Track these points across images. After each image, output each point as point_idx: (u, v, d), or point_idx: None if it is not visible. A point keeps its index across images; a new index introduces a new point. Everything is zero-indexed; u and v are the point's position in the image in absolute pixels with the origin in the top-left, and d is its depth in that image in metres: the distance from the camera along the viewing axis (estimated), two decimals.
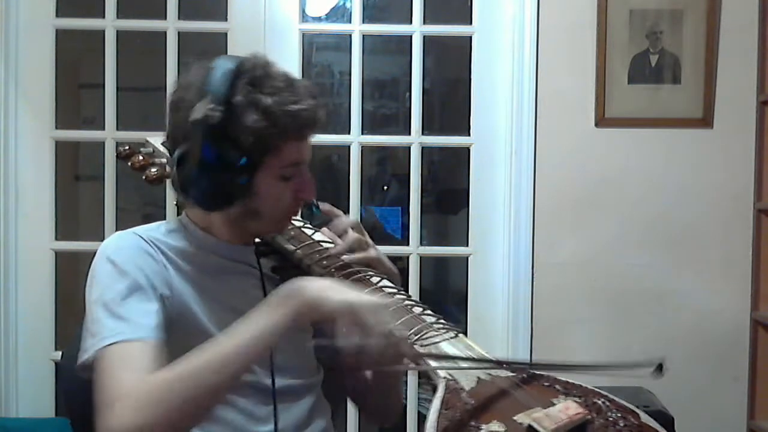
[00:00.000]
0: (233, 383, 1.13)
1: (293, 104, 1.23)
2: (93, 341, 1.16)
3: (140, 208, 3.30)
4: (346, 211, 2.64)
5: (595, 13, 2.49)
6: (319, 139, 2.83)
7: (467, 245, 2.63)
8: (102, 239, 2.62)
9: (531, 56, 2.50)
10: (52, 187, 2.57)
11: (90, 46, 2.70)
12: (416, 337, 1.21)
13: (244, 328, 1.11)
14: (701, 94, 2.50)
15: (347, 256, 1.37)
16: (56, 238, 2.58)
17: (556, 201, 2.53)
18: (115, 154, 1.35)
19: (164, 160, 1.47)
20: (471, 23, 2.60)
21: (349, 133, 2.61)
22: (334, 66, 3.49)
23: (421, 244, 2.66)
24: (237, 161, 1.21)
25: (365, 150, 2.74)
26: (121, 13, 2.56)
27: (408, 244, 2.63)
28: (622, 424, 1.12)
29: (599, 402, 1.16)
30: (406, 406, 2.51)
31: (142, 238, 1.28)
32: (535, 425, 1.06)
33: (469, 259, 2.62)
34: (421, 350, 1.19)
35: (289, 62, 2.56)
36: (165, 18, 2.56)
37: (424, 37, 2.60)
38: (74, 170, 3.40)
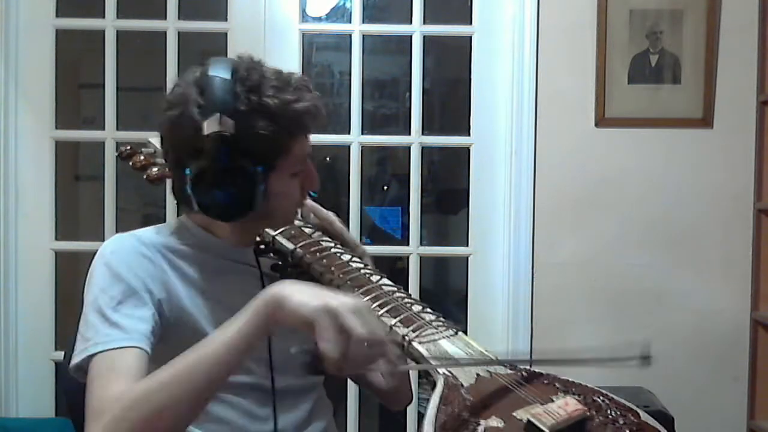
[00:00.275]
0: (213, 389, 1.12)
1: (296, 102, 1.23)
2: (85, 345, 1.16)
3: (140, 208, 3.30)
4: (347, 211, 2.65)
5: (595, 13, 2.49)
6: (319, 139, 2.84)
7: (467, 245, 2.63)
8: (102, 239, 2.62)
9: (531, 56, 2.50)
10: (52, 187, 2.57)
11: (90, 46, 2.70)
12: (415, 335, 1.21)
13: (221, 334, 1.10)
14: (701, 94, 2.50)
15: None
16: (56, 238, 2.58)
17: (556, 201, 2.53)
18: (117, 154, 1.35)
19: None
20: (471, 23, 2.60)
21: (349, 133, 2.61)
22: (334, 66, 3.49)
23: (421, 244, 2.66)
24: (253, 170, 1.21)
25: (365, 150, 2.74)
26: (121, 13, 2.56)
27: (408, 244, 2.63)
28: (621, 422, 1.11)
29: (599, 400, 1.16)
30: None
31: (140, 240, 1.28)
32: (534, 421, 1.06)
33: (469, 259, 2.62)
34: (420, 348, 1.19)
35: (289, 62, 2.56)
36: (165, 18, 2.56)
37: (424, 37, 2.60)
38: (74, 170, 3.40)
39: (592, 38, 2.50)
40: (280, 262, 1.40)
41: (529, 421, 1.06)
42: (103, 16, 2.55)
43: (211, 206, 1.24)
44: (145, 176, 1.50)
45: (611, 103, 2.51)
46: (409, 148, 2.62)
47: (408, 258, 2.62)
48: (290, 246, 1.39)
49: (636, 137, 2.53)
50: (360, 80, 2.60)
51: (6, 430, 2.42)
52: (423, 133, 2.62)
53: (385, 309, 1.26)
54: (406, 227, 2.73)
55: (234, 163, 1.20)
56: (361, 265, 1.38)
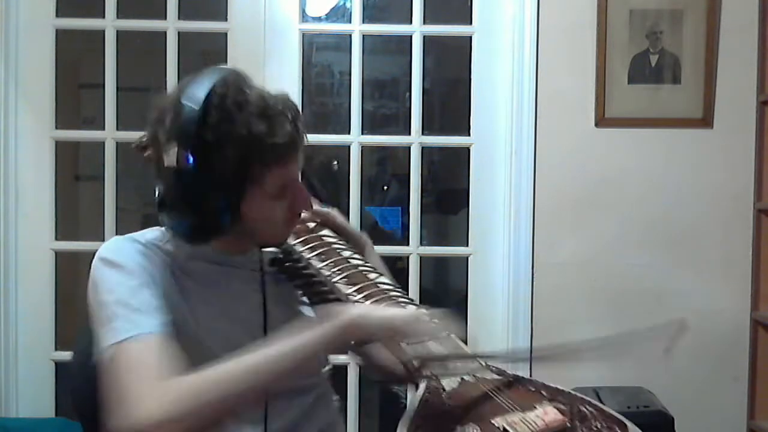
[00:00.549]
0: (260, 393, 1.16)
1: (269, 134, 1.20)
2: (113, 336, 1.15)
3: (140, 208, 3.30)
4: (347, 211, 2.65)
5: (595, 13, 2.49)
6: (320, 139, 2.84)
7: (467, 245, 2.63)
8: (102, 239, 2.62)
9: (531, 56, 2.50)
10: (52, 187, 2.57)
11: (90, 46, 2.70)
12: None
13: (293, 341, 1.13)
14: (701, 94, 2.50)
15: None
16: (56, 238, 2.58)
17: (556, 201, 2.53)
18: (133, 146, 1.35)
19: None
20: (471, 23, 2.60)
21: (349, 133, 2.61)
22: (334, 66, 3.49)
23: (421, 244, 2.66)
24: (218, 199, 1.21)
25: (365, 150, 2.74)
26: (121, 13, 2.56)
27: (408, 244, 2.63)
28: None
29: (585, 410, 1.14)
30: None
31: (138, 242, 1.29)
32: (510, 429, 1.05)
33: (469, 259, 2.62)
34: (407, 348, 1.20)
35: (289, 62, 2.57)
36: (165, 18, 2.56)
37: (424, 37, 2.60)
38: (74, 170, 3.40)
39: (592, 38, 2.50)
40: (280, 256, 1.40)
41: (504, 430, 1.06)
42: (103, 16, 2.55)
43: (180, 229, 1.25)
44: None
45: (611, 103, 2.51)
46: (409, 148, 2.62)
47: (408, 258, 2.62)
48: (291, 240, 1.39)
49: (636, 137, 2.53)
50: (360, 80, 2.60)
51: (6, 430, 2.42)
52: (423, 133, 2.62)
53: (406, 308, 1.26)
54: (406, 227, 2.73)
55: (198, 191, 1.19)
56: (361, 262, 1.39)
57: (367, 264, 1.40)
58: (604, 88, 2.50)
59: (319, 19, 2.78)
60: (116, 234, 2.51)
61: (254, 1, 2.56)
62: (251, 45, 2.54)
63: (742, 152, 2.53)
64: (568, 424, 1.09)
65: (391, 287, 1.34)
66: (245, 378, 1.10)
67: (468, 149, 2.61)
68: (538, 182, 2.51)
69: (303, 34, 2.62)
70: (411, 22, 2.59)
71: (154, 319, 1.17)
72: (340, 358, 2.25)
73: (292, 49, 2.58)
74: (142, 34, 2.71)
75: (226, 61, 2.54)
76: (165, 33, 2.56)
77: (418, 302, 1.34)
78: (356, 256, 1.41)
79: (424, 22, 2.59)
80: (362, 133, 2.62)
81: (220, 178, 1.19)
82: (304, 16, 2.64)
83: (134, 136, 2.49)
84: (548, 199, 2.52)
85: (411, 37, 2.60)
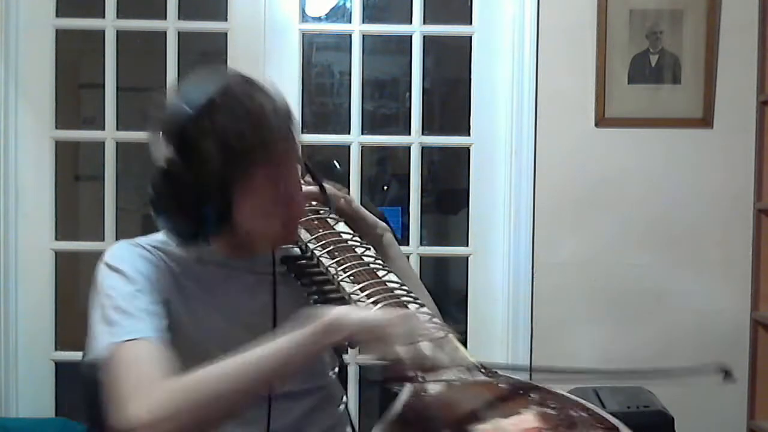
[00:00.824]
0: (248, 395, 1.14)
1: (255, 135, 1.19)
2: (108, 338, 1.17)
3: (140, 208, 3.29)
4: None
5: (595, 13, 2.49)
6: (320, 139, 2.84)
7: (467, 245, 2.63)
8: (102, 239, 2.63)
9: (531, 56, 2.50)
10: (52, 187, 2.57)
11: (90, 46, 2.70)
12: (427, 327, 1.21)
13: (266, 345, 1.12)
14: (701, 94, 2.50)
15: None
16: (56, 238, 2.58)
17: (556, 201, 2.53)
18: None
19: None
20: (471, 23, 2.60)
21: (349, 133, 2.61)
22: (334, 66, 3.49)
23: (421, 244, 2.66)
24: (204, 201, 1.20)
25: (365, 150, 2.74)
26: (121, 13, 2.56)
27: (408, 244, 2.63)
28: None
29: (576, 414, 1.11)
30: None
31: (142, 246, 1.30)
32: None
33: (469, 259, 2.62)
34: (401, 350, 1.18)
35: (289, 62, 2.57)
36: (165, 18, 2.56)
37: (424, 37, 2.60)
38: (74, 170, 3.40)
39: (592, 38, 2.50)
40: (292, 254, 1.39)
41: None
42: (103, 16, 2.55)
43: (171, 231, 1.25)
44: None
45: (611, 103, 2.51)
46: (409, 148, 2.62)
47: (408, 258, 2.62)
48: (305, 236, 1.38)
49: (636, 137, 2.53)
50: (360, 80, 2.60)
51: (6, 430, 2.42)
52: (423, 133, 2.62)
53: (377, 307, 1.25)
54: (406, 227, 2.73)
55: (185, 193, 1.19)
56: (372, 259, 1.37)
57: (378, 260, 1.38)
58: (604, 88, 2.50)
59: (319, 19, 2.78)
60: (116, 234, 2.54)
61: (254, 1, 2.56)
62: (251, 45, 2.54)
63: (742, 152, 2.53)
64: None
65: (397, 285, 1.32)
66: (231, 379, 1.10)
67: (468, 149, 2.61)
68: (538, 182, 2.51)
69: (303, 34, 2.62)
70: (411, 22, 2.59)
71: (147, 324, 1.18)
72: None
73: (292, 49, 2.58)
74: (142, 34, 2.71)
75: (226, 61, 2.55)
76: (165, 33, 2.56)
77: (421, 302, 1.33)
78: (370, 252, 1.39)
79: (424, 22, 2.59)
80: (362, 133, 2.62)
81: (205, 180, 1.19)
82: (304, 16, 2.64)
83: (134, 136, 2.51)
84: (548, 199, 2.52)
85: (411, 37, 2.60)
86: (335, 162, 2.88)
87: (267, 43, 2.56)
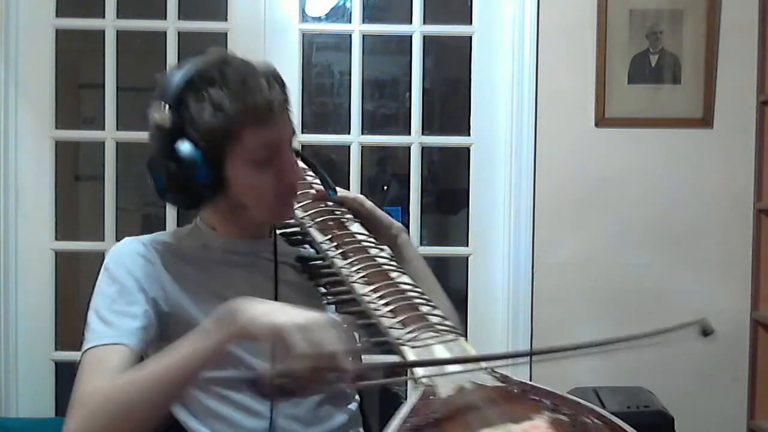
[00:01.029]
0: (168, 399, 1.16)
1: (242, 92, 1.23)
2: (84, 343, 1.22)
3: (140, 208, 3.30)
4: None
5: (595, 13, 2.49)
6: (320, 139, 2.83)
7: (467, 245, 2.63)
8: (102, 239, 2.64)
9: (531, 56, 2.50)
10: (52, 187, 2.57)
11: (90, 46, 2.70)
12: (410, 338, 1.19)
13: (180, 348, 1.13)
14: (701, 94, 2.50)
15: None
16: (56, 238, 2.58)
17: (556, 201, 2.53)
18: None
19: None
20: (471, 23, 2.60)
21: (349, 133, 2.61)
22: (334, 66, 3.48)
23: (421, 244, 2.66)
24: (197, 158, 1.22)
25: (365, 150, 2.74)
26: (121, 13, 2.56)
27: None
28: None
29: (589, 421, 1.09)
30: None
31: (141, 242, 1.32)
32: None
33: (469, 259, 2.62)
34: (410, 352, 1.16)
35: (289, 62, 2.56)
36: (165, 18, 2.56)
37: (424, 37, 2.60)
38: (74, 170, 3.40)
39: (592, 38, 2.50)
40: (309, 255, 1.39)
41: None
42: (103, 16, 2.55)
43: (165, 194, 1.27)
44: None
45: (611, 103, 2.51)
46: (409, 148, 2.62)
47: None
48: (319, 238, 1.39)
49: (636, 137, 2.53)
50: (360, 80, 2.60)
51: (6, 430, 2.42)
52: (423, 133, 2.62)
53: (389, 308, 1.24)
54: (406, 227, 2.72)
55: (177, 151, 1.22)
56: (385, 260, 1.36)
57: (392, 261, 1.37)
58: (604, 88, 2.50)
59: (319, 19, 2.78)
60: (116, 234, 2.54)
61: (254, 1, 2.56)
62: (251, 45, 2.54)
63: (742, 152, 2.53)
64: None
65: (410, 287, 1.31)
66: (149, 382, 1.12)
67: (468, 149, 2.61)
68: (538, 182, 2.51)
69: (303, 34, 2.62)
70: (411, 22, 2.59)
71: (117, 330, 1.21)
72: None
73: (292, 49, 2.58)
74: (142, 34, 2.71)
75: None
76: (165, 33, 2.56)
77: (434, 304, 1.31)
78: (384, 253, 1.38)
79: (424, 22, 2.59)
80: (362, 133, 2.62)
81: (196, 139, 1.22)
82: (304, 16, 2.64)
83: (134, 136, 2.51)
84: (548, 199, 2.52)
85: (411, 37, 2.60)
86: (332, 156, 2.89)
87: (267, 43, 2.56)
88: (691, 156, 2.53)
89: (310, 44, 2.92)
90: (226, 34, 2.57)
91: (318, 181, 1.47)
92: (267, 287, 1.34)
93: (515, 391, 1.15)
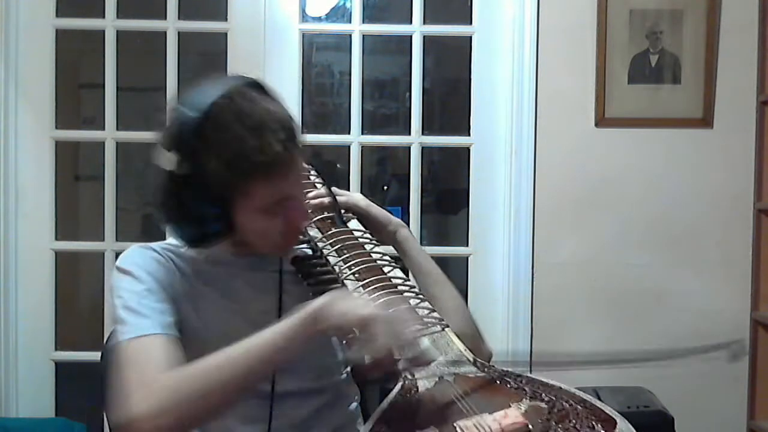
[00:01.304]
0: (241, 387, 1.16)
1: (254, 150, 1.19)
2: (118, 336, 1.21)
3: (140, 208, 3.30)
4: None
5: (595, 13, 2.49)
6: (320, 139, 2.83)
7: (467, 245, 2.63)
8: (102, 239, 2.63)
9: (531, 56, 2.50)
10: (52, 187, 2.57)
11: (90, 46, 2.70)
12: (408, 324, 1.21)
13: (266, 334, 1.13)
14: (701, 94, 2.50)
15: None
16: (56, 238, 2.58)
17: (556, 201, 2.53)
18: None
19: None
20: (471, 23, 2.60)
21: (349, 133, 2.61)
22: (334, 66, 3.48)
23: (421, 244, 2.65)
24: (204, 206, 1.22)
25: (365, 150, 2.74)
26: (121, 13, 2.56)
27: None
28: None
29: (568, 406, 1.10)
30: None
31: (153, 249, 1.33)
32: None
33: (469, 259, 2.62)
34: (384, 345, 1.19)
35: (289, 62, 2.57)
36: (165, 18, 2.56)
37: (424, 37, 2.60)
38: (74, 170, 3.40)
39: (592, 38, 2.50)
40: (302, 254, 1.39)
41: None
42: (103, 16, 2.55)
43: (175, 232, 1.27)
44: None
45: (611, 103, 2.51)
46: (409, 148, 2.62)
47: None
48: (316, 235, 1.39)
49: (636, 137, 2.53)
50: (360, 80, 2.60)
51: (6, 430, 2.42)
52: (423, 133, 2.62)
53: (378, 302, 1.25)
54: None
55: (185, 199, 1.22)
56: (380, 256, 1.38)
57: (384, 257, 1.38)
58: (604, 88, 2.50)
59: (319, 19, 2.78)
60: (116, 234, 2.54)
61: (254, 1, 2.56)
62: (251, 45, 2.54)
63: (742, 152, 2.53)
64: (530, 427, 1.06)
65: (401, 281, 1.33)
66: (224, 371, 1.12)
67: (468, 149, 2.61)
68: (538, 182, 2.51)
69: (303, 34, 2.62)
70: (411, 22, 2.59)
71: (154, 321, 1.21)
72: None
73: (292, 49, 2.58)
74: (142, 34, 2.71)
75: (226, 61, 2.55)
76: (165, 33, 2.56)
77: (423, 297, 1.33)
78: (379, 249, 1.40)
79: (424, 22, 2.59)
80: (362, 133, 2.62)
81: (204, 187, 1.21)
82: (304, 16, 2.64)
83: (134, 136, 2.51)
84: (548, 199, 2.52)
85: (411, 37, 2.60)
86: (338, 165, 2.89)
87: (267, 43, 2.56)
88: (691, 156, 2.53)
89: (310, 44, 2.92)
90: (226, 34, 2.57)
91: (321, 180, 1.48)
92: (273, 300, 1.35)
93: (495, 380, 1.17)
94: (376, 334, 1.08)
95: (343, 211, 1.46)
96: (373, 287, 1.29)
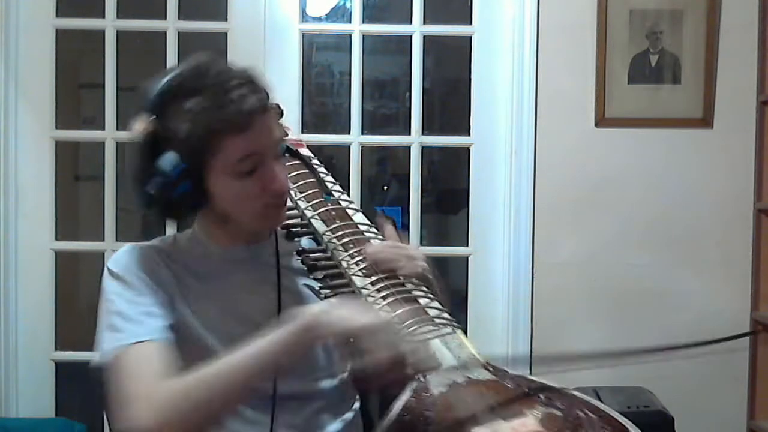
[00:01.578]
0: (242, 394, 1.16)
1: (219, 102, 1.20)
2: (112, 343, 1.20)
3: (140, 208, 3.29)
4: None
5: (595, 13, 2.49)
6: (320, 139, 2.84)
7: (467, 245, 2.63)
8: (102, 239, 2.63)
9: (531, 56, 2.50)
10: (52, 187, 2.57)
11: (90, 46, 2.69)
12: (408, 331, 1.19)
13: (255, 343, 1.13)
14: (701, 94, 2.50)
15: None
16: (56, 238, 2.58)
17: (556, 201, 2.53)
18: None
19: None
20: (471, 23, 2.60)
21: (349, 133, 2.61)
22: (334, 66, 3.48)
23: (421, 244, 2.66)
24: (176, 171, 1.21)
25: (365, 150, 2.74)
26: (121, 13, 2.56)
27: (408, 245, 2.62)
28: None
29: (583, 415, 1.09)
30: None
31: (142, 248, 1.32)
32: None
33: (469, 259, 2.62)
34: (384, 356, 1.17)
35: (289, 62, 2.57)
36: (165, 18, 2.56)
37: (424, 37, 2.60)
38: (74, 170, 3.40)
39: (592, 38, 2.50)
40: (309, 247, 1.39)
41: None
42: (103, 16, 2.55)
43: (149, 204, 1.27)
44: None
45: (611, 103, 2.51)
46: (409, 148, 2.62)
47: None
48: (322, 228, 1.38)
49: (636, 137, 2.53)
50: (360, 80, 2.60)
51: (6, 430, 2.42)
52: (423, 133, 2.62)
53: (387, 301, 1.24)
54: (406, 227, 2.72)
55: (157, 163, 1.22)
56: None
57: None
58: (604, 88, 2.50)
59: (319, 19, 2.78)
60: (116, 234, 2.54)
61: (254, 1, 2.56)
62: (251, 45, 2.54)
63: (742, 152, 2.53)
64: None
65: (407, 280, 1.31)
66: (223, 380, 1.12)
67: (468, 149, 2.61)
68: (538, 182, 2.51)
69: (303, 34, 2.62)
70: (411, 22, 2.59)
71: (148, 327, 1.21)
72: None
73: (292, 49, 2.58)
74: (142, 34, 2.71)
75: (226, 61, 2.54)
76: (165, 33, 2.56)
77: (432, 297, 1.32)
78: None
79: (424, 22, 2.59)
80: (362, 133, 2.62)
81: (177, 150, 1.21)
82: (304, 16, 2.64)
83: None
84: (548, 199, 2.52)
85: (411, 37, 2.60)
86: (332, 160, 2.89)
87: (267, 43, 2.56)
88: (691, 156, 2.53)
89: (310, 44, 2.91)
90: (226, 34, 2.57)
91: (324, 169, 1.47)
92: (269, 294, 1.33)
93: (509, 385, 1.14)
94: (374, 344, 1.07)
95: (334, 187, 1.45)
96: (381, 285, 1.28)
